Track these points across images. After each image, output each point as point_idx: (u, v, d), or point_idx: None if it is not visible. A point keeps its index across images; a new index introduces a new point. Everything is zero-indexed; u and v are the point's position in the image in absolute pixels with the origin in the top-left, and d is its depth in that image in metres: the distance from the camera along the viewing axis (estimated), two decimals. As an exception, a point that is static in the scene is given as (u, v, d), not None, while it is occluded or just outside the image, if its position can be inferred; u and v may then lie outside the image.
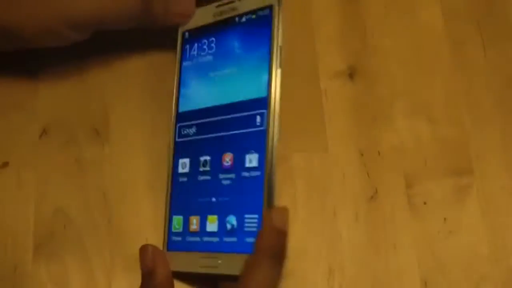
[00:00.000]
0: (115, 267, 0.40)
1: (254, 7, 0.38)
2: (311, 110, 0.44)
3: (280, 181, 0.42)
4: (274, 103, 0.35)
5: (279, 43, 0.36)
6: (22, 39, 0.39)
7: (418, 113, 0.44)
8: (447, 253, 0.41)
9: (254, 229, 0.34)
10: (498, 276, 0.41)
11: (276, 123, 0.35)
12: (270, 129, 0.35)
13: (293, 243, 0.41)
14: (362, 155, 0.43)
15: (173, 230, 0.39)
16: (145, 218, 0.40)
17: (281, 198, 0.42)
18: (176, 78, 0.41)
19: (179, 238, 0.38)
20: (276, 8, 0.36)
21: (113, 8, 0.38)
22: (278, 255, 0.33)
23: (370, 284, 0.41)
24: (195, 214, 0.38)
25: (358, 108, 0.44)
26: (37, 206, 0.41)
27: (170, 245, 0.39)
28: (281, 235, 0.33)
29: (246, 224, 0.35)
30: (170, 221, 0.39)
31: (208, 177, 0.38)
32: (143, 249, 0.37)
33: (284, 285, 0.40)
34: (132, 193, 0.41)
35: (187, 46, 0.41)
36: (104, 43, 0.44)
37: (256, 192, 0.35)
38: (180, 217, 0.38)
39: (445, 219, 0.42)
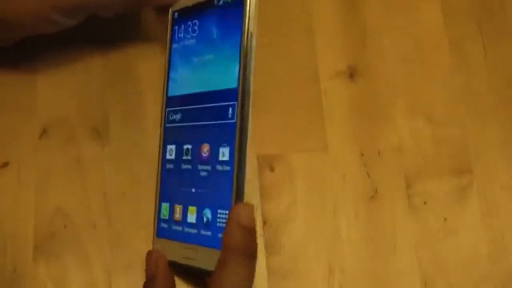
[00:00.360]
0: (115, 267, 0.40)
1: None
2: (311, 110, 0.44)
3: (280, 181, 0.42)
4: (244, 94, 0.33)
5: (251, 30, 0.34)
6: (13, 26, 0.38)
7: (418, 113, 0.44)
8: (447, 253, 0.41)
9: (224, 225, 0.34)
10: (498, 276, 0.41)
11: (247, 116, 0.33)
12: (240, 122, 0.33)
13: (293, 243, 0.41)
14: (362, 155, 0.43)
15: (161, 216, 0.38)
16: (144, 218, 0.40)
17: (281, 198, 0.42)
18: (166, 60, 0.40)
19: (166, 226, 0.38)
20: None
21: None
22: (248, 252, 0.33)
23: (370, 284, 0.41)
24: (179, 202, 0.37)
25: (358, 108, 0.44)
26: (37, 206, 0.41)
27: (159, 232, 0.38)
28: (248, 232, 0.32)
29: (219, 219, 0.34)
30: (159, 207, 0.39)
31: (189, 167, 0.37)
32: (148, 255, 0.37)
33: (284, 285, 0.40)
34: (132, 193, 0.41)
35: (176, 28, 0.39)
36: (105, 43, 0.44)
37: (227, 187, 0.34)
38: (167, 204, 0.38)
39: (445, 219, 0.42)
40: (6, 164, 0.41)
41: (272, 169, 0.42)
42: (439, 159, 0.43)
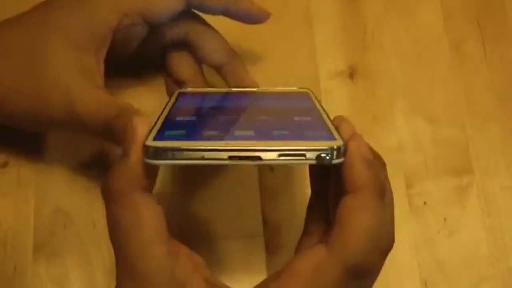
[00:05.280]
0: (115, 267, 0.40)
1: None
2: (311, 110, 0.44)
3: (280, 181, 0.42)
4: None
5: None
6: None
7: (418, 113, 0.44)
8: (447, 253, 0.41)
9: None
10: (498, 276, 0.41)
11: None
12: None
13: (293, 243, 0.41)
14: (362, 155, 0.43)
15: None
16: (145, 218, 0.40)
17: (281, 198, 0.42)
18: None
19: None
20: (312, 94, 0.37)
21: None
22: (383, 191, 0.27)
23: (370, 284, 0.41)
24: None
25: (358, 108, 0.44)
26: (37, 206, 0.41)
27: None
28: (373, 166, 0.27)
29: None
30: None
31: None
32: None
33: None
34: (132, 193, 0.41)
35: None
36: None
37: None
38: None
39: (445, 219, 0.42)
40: (6, 164, 0.41)
41: (272, 169, 0.42)
42: (439, 159, 0.43)
